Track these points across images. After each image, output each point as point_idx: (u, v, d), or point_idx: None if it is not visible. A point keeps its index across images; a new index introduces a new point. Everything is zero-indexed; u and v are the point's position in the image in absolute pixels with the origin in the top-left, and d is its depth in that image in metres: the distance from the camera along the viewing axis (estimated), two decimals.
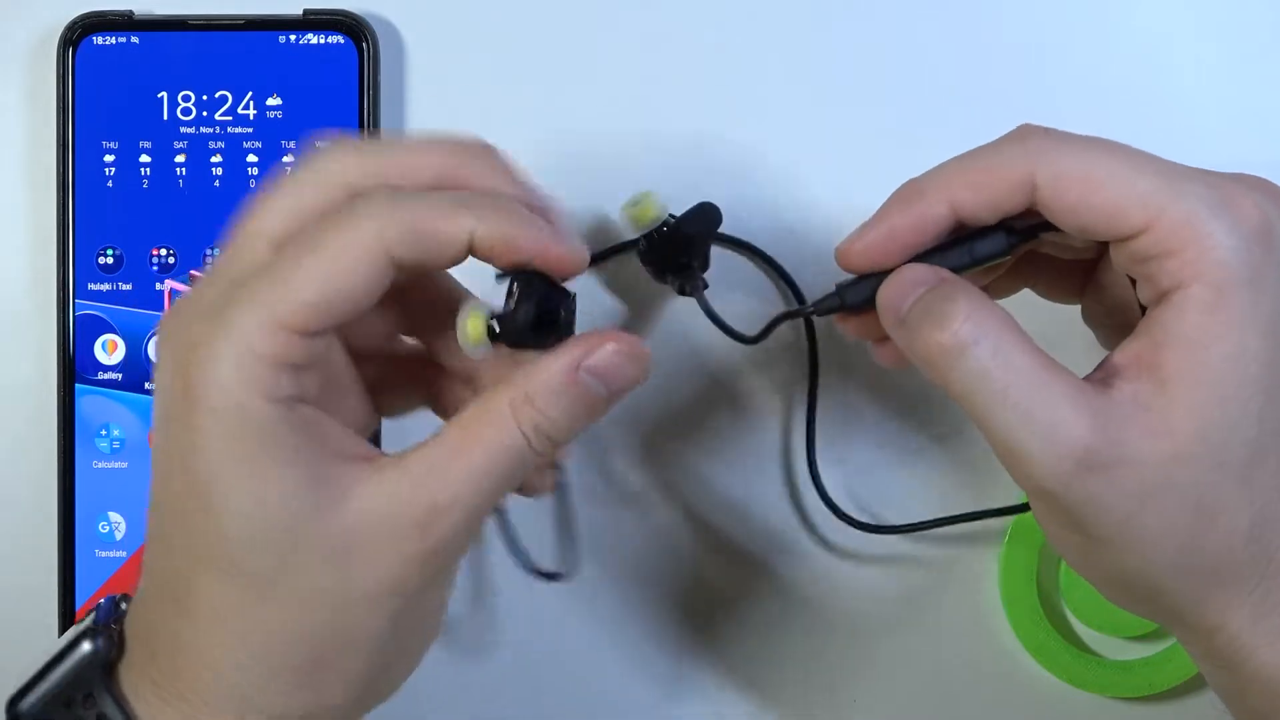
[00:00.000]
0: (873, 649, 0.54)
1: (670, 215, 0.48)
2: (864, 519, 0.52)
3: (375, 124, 0.52)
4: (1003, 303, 0.41)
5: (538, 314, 0.40)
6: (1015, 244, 0.42)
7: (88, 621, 0.41)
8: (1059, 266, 0.45)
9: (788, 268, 0.52)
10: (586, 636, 0.54)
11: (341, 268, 0.37)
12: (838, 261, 0.42)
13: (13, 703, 0.40)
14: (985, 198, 0.40)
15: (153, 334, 0.52)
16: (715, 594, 0.54)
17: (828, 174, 0.52)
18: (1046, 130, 0.40)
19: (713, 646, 0.54)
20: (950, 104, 0.53)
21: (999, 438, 0.39)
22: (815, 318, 0.51)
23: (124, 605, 0.42)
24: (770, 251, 0.52)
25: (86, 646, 0.40)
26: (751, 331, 0.47)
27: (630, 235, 0.50)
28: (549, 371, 0.39)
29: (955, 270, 0.41)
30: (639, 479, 0.53)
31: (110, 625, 0.41)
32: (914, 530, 0.52)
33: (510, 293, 0.40)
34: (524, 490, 0.43)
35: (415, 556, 0.38)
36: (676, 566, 0.54)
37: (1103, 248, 0.43)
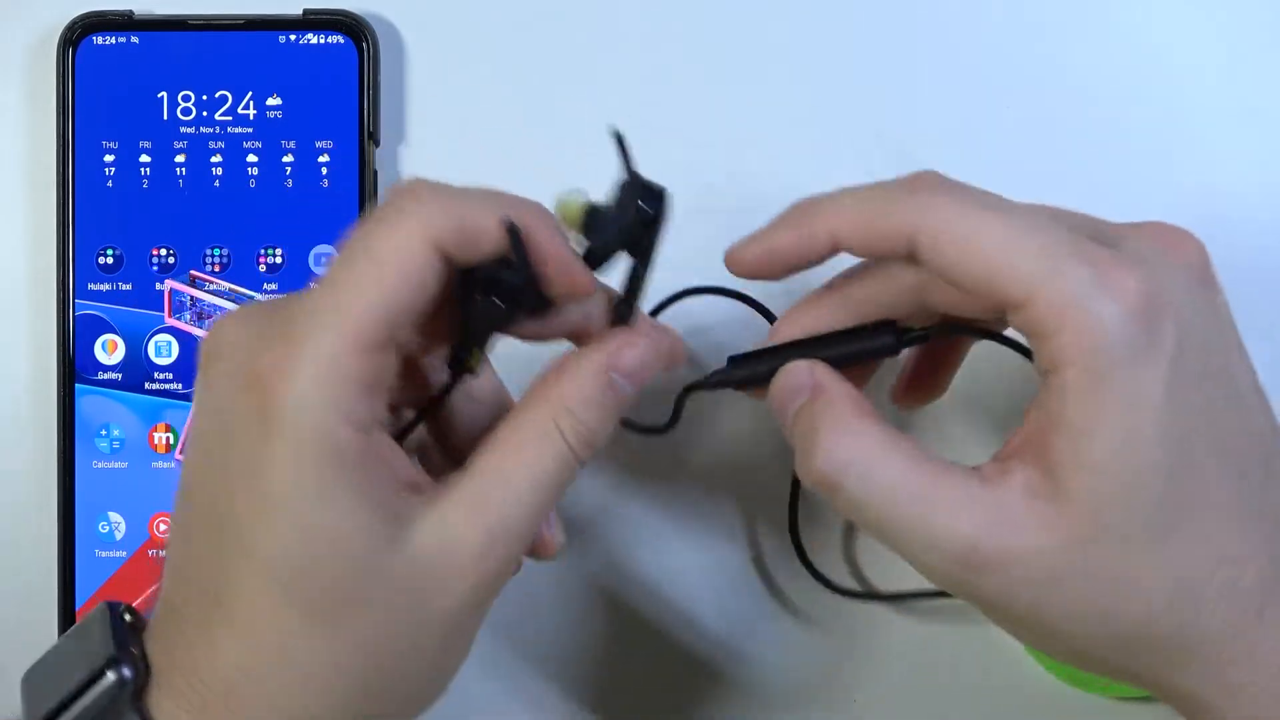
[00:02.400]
0: (872, 648, 0.53)
1: (594, 204, 0.42)
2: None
3: (375, 124, 0.52)
4: None
5: (638, 222, 0.39)
6: (905, 345, 0.42)
7: (101, 644, 0.39)
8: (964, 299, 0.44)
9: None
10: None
11: (403, 273, 0.37)
12: (726, 264, 0.42)
13: None
14: (865, 239, 0.40)
15: (153, 334, 0.52)
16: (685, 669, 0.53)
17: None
18: (942, 182, 0.39)
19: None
20: (951, 103, 0.53)
21: (894, 548, 0.39)
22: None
23: (128, 617, 0.41)
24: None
25: (112, 677, 0.38)
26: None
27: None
28: (584, 380, 0.40)
29: (843, 363, 0.41)
30: (599, 547, 0.53)
31: (131, 649, 0.39)
32: (898, 599, 0.52)
33: (619, 199, 0.40)
34: (538, 553, 0.43)
35: (474, 584, 0.38)
36: (641, 638, 0.53)
37: None
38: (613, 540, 0.53)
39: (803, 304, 0.43)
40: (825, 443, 0.39)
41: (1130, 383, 0.37)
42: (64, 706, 0.38)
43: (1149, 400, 0.37)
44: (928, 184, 0.39)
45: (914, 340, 0.42)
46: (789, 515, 0.51)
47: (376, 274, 0.37)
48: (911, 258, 0.39)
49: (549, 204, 0.40)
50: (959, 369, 0.47)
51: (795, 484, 0.51)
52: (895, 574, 0.53)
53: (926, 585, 0.50)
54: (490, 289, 0.39)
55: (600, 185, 0.52)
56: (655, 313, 0.50)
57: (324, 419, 0.36)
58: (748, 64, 0.53)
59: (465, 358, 0.41)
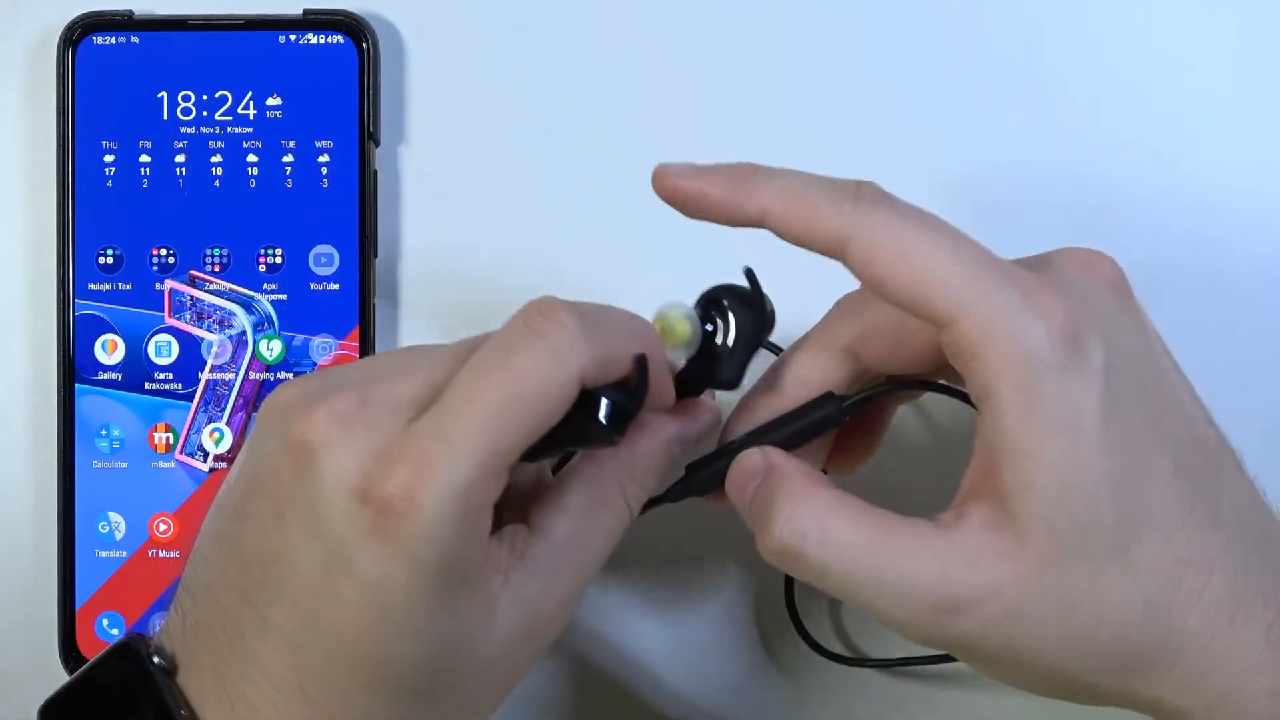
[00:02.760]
0: (867, 714, 0.53)
1: (705, 329, 0.42)
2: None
3: (375, 124, 0.52)
4: None
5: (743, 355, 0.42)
6: (846, 411, 0.42)
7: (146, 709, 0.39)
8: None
9: None
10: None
11: (550, 405, 0.37)
12: (653, 180, 0.41)
13: None
14: (795, 230, 0.39)
15: (153, 334, 0.52)
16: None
17: None
18: (884, 196, 0.39)
19: None
20: (950, 103, 0.53)
21: (862, 610, 0.39)
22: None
23: (156, 660, 0.39)
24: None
25: None
26: None
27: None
28: (651, 452, 0.41)
29: (794, 442, 0.42)
30: (594, 606, 0.53)
31: (182, 712, 0.39)
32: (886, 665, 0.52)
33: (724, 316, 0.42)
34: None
35: (543, 646, 0.40)
36: (634, 703, 0.53)
37: None
38: (609, 602, 0.53)
39: (745, 400, 0.44)
40: (782, 513, 0.39)
41: (1063, 399, 0.37)
42: None
43: (1085, 413, 0.37)
44: (870, 194, 0.39)
45: (854, 405, 0.42)
46: (785, 582, 0.51)
47: (524, 409, 0.37)
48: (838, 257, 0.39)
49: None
50: (887, 431, 0.47)
51: None
52: (887, 639, 0.53)
53: (917, 650, 0.50)
54: (615, 414, 0.39)
55: (600, 185, 0.52)
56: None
57: (453, 546, 0.36)
58: (748, 64, 0.53)
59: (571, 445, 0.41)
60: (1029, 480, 0.37)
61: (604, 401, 0.38)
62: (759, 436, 0.42)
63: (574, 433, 0.39)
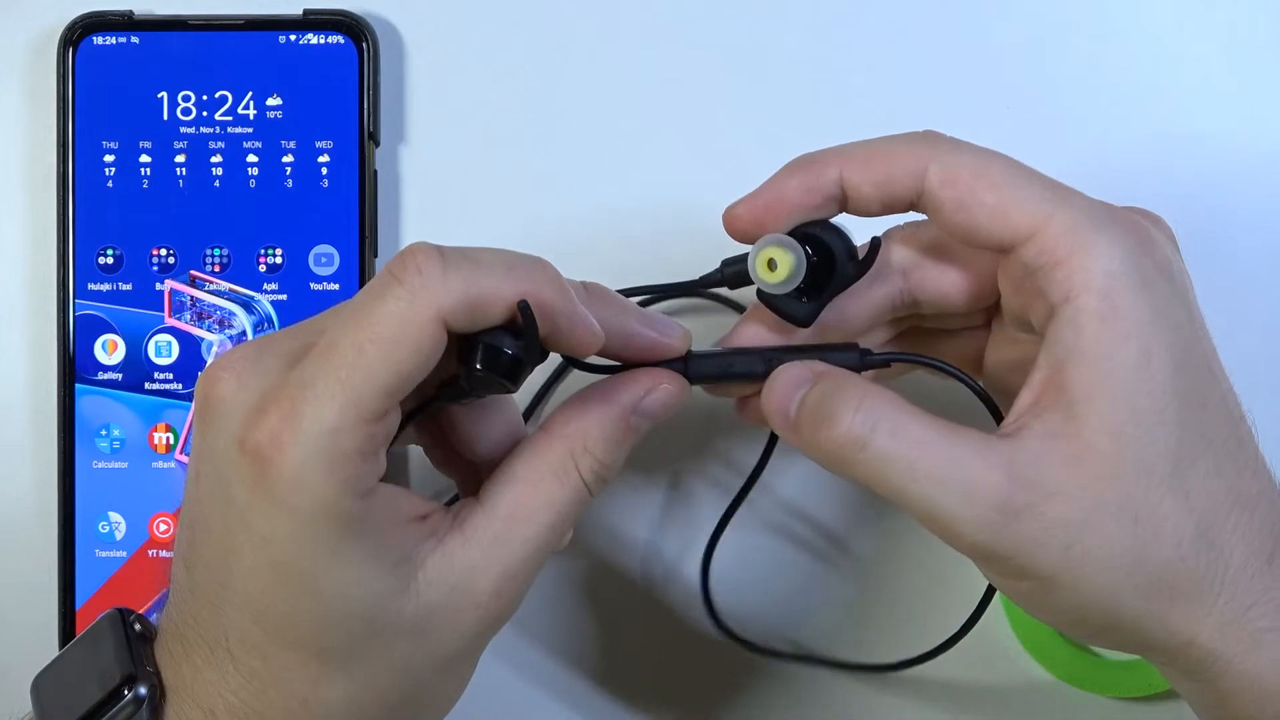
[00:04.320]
0: (872, 647, 0.53)
1: (807, 253, 0.42)
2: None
3: (375, 124, 0.52)
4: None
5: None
6: (865, 367, 0.42)
7: (116, 658, 0.40)
8: (949, 341, 0.45)
9: None
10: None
11: (407, 348, 0.37)
12: (725, 225, 0.42)
13: None
14: (875, 174, 0.40)
15: (153, 334, 0.52)
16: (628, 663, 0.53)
17: None
18: (949, 136, 0.41)
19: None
20: (950, 105, 0.53)
21: (919, 510, 0.39)
22: None
23: (138, 626, 0.41)
24: None
25: (130, 695, 0.39)
26: None
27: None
28: (607, 421, 0.40)
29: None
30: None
31: (146, 666, 0.40)
32: (794, 660, 0.52)
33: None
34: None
35: (487, 621, 0.39)
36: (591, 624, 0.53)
37: (987, 314, 0.44)
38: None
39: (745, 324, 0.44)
40: (851, 403, 0.39)
41: (1144, 308, 0.38)
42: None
43: (1162, 327, 0.38)
44: (937, 134, 0.41)
45: (875, 364, 0.42)
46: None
47: (378, 350, 0.36)
48: (912, 205, 0.40)
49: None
50: None
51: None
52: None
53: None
54: (491, 359, 0.38)
55: (600, 184, 0.52)
56: None
57: (326, 493, 0.36)
58: (748, 63, 0.53)
59: (459, 398, 0.40)
60: (1104, 382, 0.38)
61: (480, 346, 0.38)
62: (780, 353, 0.42)
63: (469, 381, 0.39)
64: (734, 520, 0.49)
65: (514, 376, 0.39)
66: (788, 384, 0.41)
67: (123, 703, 0.39)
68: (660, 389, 0.41)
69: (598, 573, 0.53)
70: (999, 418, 0.41)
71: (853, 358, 0.42)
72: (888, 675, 0.53)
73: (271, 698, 0.38)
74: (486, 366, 0.38)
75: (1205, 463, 0.38)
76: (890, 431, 0.38)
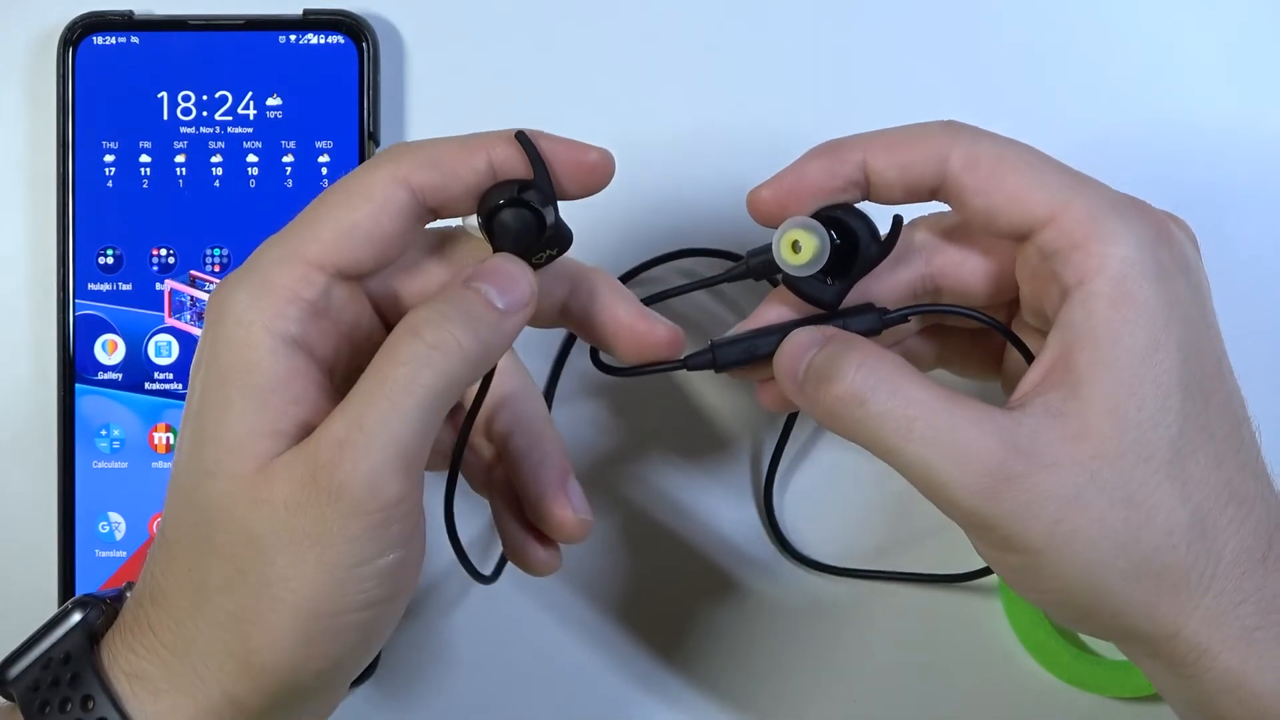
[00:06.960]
0: (872, 647, 0.53)
1: (831, 236, 0.42)
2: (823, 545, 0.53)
3: (375, 124, 0.52)
4: None
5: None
6: (885, 325, 0.42)
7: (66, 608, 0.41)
8: (967, 339, 0.46)
9: None
10: (552, 641, 0.53)
11: (361, 202, 0.39)
12: (748, 208, 0.42)
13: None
14: (899, 159, 0.41)
15: (153, 334, 0.52)
16: (684, 606, 0.53)
17: None
18: (971, 125, 0.41)
19: (683, 654, 0.54)
20: (949, 102, 0.53)
21: (914, 471, 0.39)
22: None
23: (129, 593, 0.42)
24: None
25: (76, 616, 0.41)
26: None
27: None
28: (439, 287, 0.40)
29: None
30: (610, 489, 0.53)
31: (106, 601, 0.41)
32: (867, 576, 0.53)
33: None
34: (532, 567, 0.44)
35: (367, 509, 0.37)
36: (642, 576, 0.53)
37: (1008, 312, 0.44)
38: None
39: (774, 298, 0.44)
40: (854, 360, 0.39)
41: (1156, 296, 0.38)
42: (30, 643, 0.41)
43: (1173, 317, 0.38)
44: (955, 122, 0.41)
45: (893, 321, 0.42)
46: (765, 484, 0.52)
47: (333, 201, 0.39)
48: (934, 192, 0.41)
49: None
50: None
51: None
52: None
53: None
54: (510, 201, 0.39)
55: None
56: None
57: (243, 320, 0.38)
58: (747, 67, 0.53)
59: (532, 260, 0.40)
60: (1110, 365, 0.38)
61: (500, 205, 0.39)
62: (797, 326, 0.42)
63: (507, 230, 0.40)
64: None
65: (538, 211, 0.39)
66: (798, 347, 0.41)
67: (66, 624, 0.40)
68: (491, 260, 0.40)
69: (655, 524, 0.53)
70: (1030, 358, 0.42)
71: (873, 319, 0.42)
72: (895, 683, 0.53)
73: (167, 594, 0.40)
74: (511, 204, 0.39)
75: (1205, 455, 0.39)
76: (890, 391, 0.39)
